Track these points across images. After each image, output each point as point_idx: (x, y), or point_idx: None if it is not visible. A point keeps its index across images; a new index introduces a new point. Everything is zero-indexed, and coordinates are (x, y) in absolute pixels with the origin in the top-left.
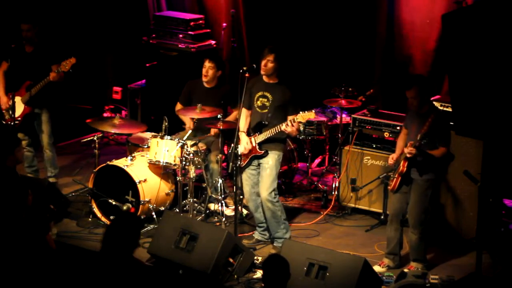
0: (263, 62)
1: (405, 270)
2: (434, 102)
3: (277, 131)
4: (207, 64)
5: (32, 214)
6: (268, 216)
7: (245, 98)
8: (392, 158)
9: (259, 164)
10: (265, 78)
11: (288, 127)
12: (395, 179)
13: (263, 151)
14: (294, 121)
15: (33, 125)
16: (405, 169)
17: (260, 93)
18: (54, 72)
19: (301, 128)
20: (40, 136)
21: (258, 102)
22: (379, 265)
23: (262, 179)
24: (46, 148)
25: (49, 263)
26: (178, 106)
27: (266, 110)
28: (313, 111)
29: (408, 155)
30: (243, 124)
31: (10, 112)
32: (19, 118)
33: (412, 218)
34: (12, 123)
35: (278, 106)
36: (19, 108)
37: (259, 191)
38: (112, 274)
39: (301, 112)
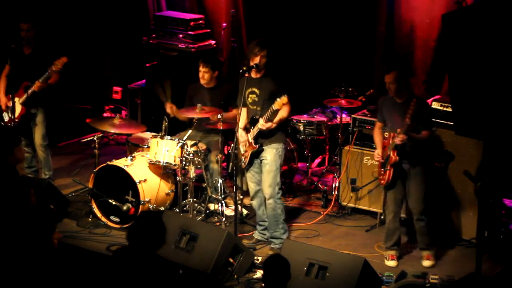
0: (256, 59)
1: (424, 262)
2: (434, 101)
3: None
4: (202, 68)
5: (35, 214)
6: (269, 213)
7: (243, 97)
8: (378, 154)
9: (261, 161)
10: (253, 74)
11: (263, 126)
12: (387, 171)
13: (258, 145)
14: (272, 110)
15: (29, 126)
16: (397, 158)
17: (249, 90)
18: (39, 82)
19: (301, 128)
20: (33, 137)
21: (249, 99)
22: (391, 259)
23: (263, 176)
24: (39, 149)
25: (52, 263)
26: None
27: (256, 106)
28: (285, 95)
29: (399, 143)
30: (243, 122)
31: (9, 113)
32: (17, 120)
33: (418, 206)
34: (11, 124)
35: (267, 98)
36: (18, 109)
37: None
38: (136, 271)
39: (277, 99)
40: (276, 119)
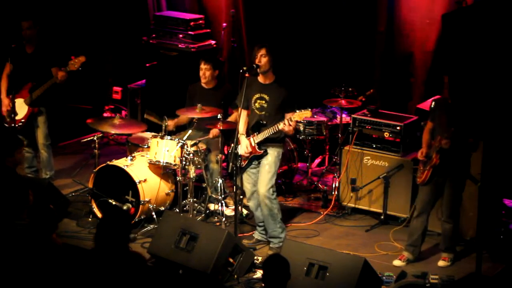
0: (256, 60)
1: (439, 262)
2: (434, 101)
3: (275, 131)
4: (203, 66)
5: (34, 214)
6: (265, 213)
7: (244, 99)
8: (421, 152)
9: (259, 163)
10: (260, 79)
11: (285, 126)
12: (426, 171)
13: (262, 151)
14: (291, 120)
15: (32, 126)
16: (438, 161)
17: (257, 95)
18: (62, 71)
19: (301, 128)
20: (36, 137)
21: (256, 104)
22: (399, 259)
23: (261, 175)
24: (41, 149)
25: (55, 261)
26: None
27: (264, 112)
28: (309, 109)
29: (445, 147)
30: (242, 126)
31: (12, 115)
32: (23, 120)
33: (448, 209)
34: (13, 125)
35: (276, 106)
36: (23, 109)
37: None
38: (108, 269)
39: (297, 111)
40: (294, 125)
